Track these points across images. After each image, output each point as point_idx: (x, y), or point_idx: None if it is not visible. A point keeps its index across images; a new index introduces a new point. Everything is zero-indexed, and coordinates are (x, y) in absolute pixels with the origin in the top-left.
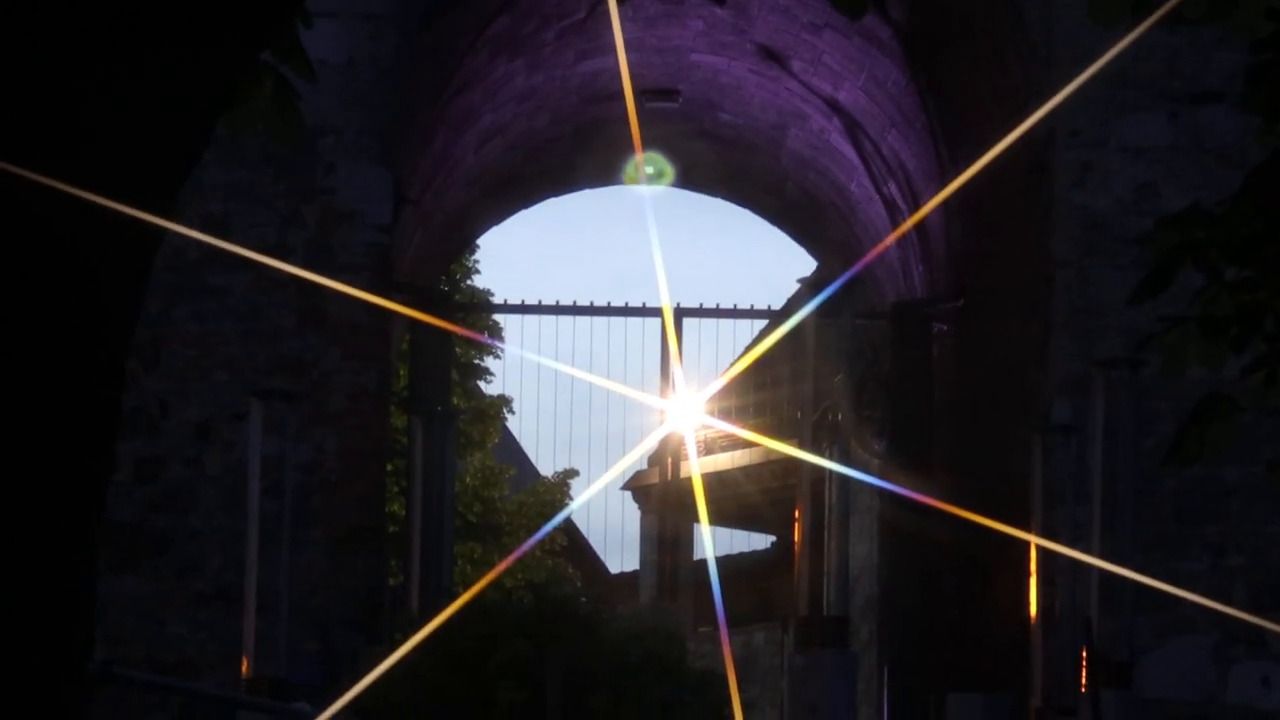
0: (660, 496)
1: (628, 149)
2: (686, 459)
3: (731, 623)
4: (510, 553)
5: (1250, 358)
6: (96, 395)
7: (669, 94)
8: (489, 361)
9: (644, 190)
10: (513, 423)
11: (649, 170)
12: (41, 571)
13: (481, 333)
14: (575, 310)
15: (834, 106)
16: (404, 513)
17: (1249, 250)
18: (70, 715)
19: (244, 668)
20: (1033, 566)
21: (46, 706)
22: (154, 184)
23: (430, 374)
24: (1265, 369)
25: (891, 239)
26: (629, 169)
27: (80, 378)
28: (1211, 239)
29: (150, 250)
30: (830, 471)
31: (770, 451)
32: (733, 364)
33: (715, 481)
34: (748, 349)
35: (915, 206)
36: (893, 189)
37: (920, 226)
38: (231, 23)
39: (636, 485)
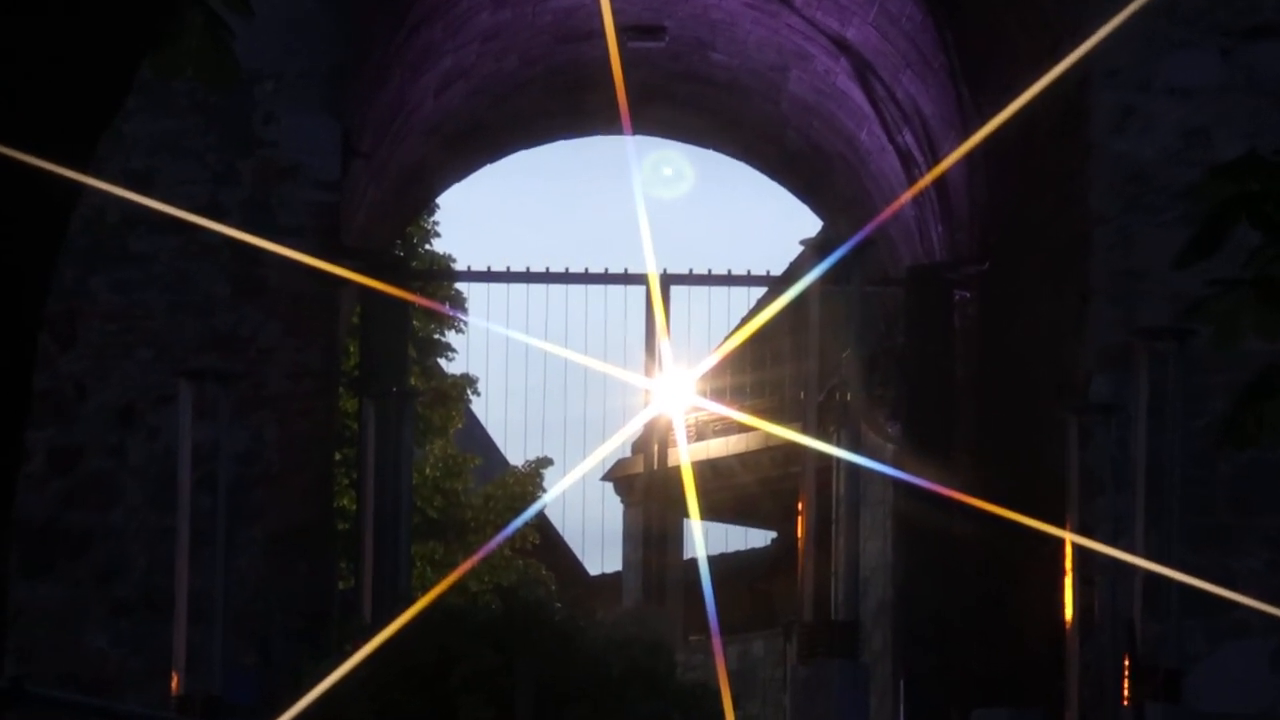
0: (645, 488)
1: (606, 95)
2: (675, 445)
3: (726, 630)
4: (475, 552)
5: None
6: (4, 375)
7: (653, 32)
8: (451, 336)
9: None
10: (478, 405)
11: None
12: None
13: (442, 303)
14: (548, 277)
15: (841, 45)
16: (355, 508)
17: None
18: None
19: (173, 684)
20: (1068, 564)
21: None
22: (69, 135)
23: (384, 351)
24: None
25: (907, 196)
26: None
27: None
28: (1269, 191)
29: (65, 210)
30: (838, 459)
31: (770, 437)
32: (727, 338)
33: (708, 471)
34: (744, 321)
35: (934, 158)
36: (908, 138)
37: (940, 181)
38: None
39: (618, 475)
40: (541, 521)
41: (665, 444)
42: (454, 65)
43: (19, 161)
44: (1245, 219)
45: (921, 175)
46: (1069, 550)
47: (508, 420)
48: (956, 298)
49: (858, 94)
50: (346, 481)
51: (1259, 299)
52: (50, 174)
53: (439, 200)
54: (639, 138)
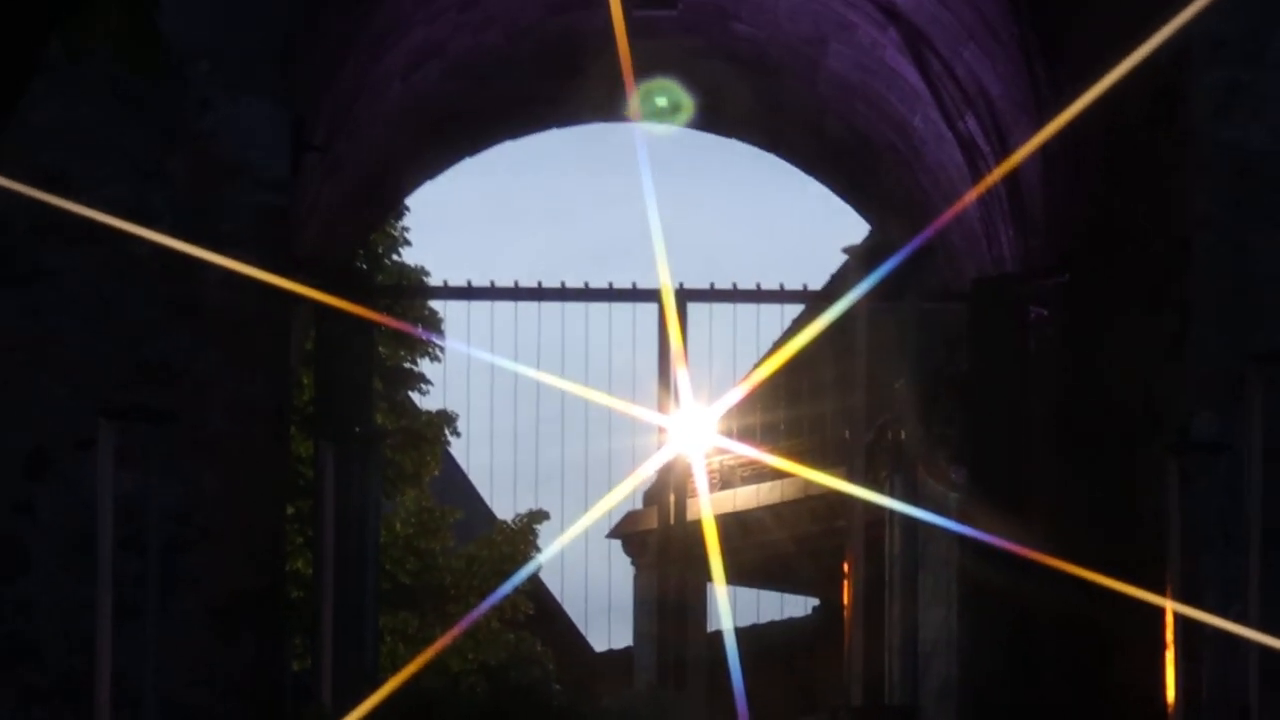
0: (660, 547)
1: (607, 74)
2: (695, 495)
3: (760, 718)
4: (457, 624)
5: None
6: None
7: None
8: (425, 365)
9: (640, 129)
10: (458, 448)
11: (660, 102)
12: None
13: (414, 325)
14: (541, 294)
15: (890, 13)
16: (310, 572)
17: None
18: None
19: None
20: (1169, 636)
21: None
22: None
23: (345, 383)
24: None
25: (972, 195)
26: (635, 99)
27: None
28: None
29: None
30: (891, 511)
31: (809, 485)
32: (757, 365)
33: (735, 525)
34: (777, 345)
35: (1002, 148)
36: (971, 124)
37: (1010, 176)
38: None
39: (628, 532)
40: (536, 587)
41: (683, 494)
42: (425, 40)
43: None
44: None
45: (988, 170)
46: (1170, 619)
47: (494, 466)
48: (1031, 316)
49: (910, 72)
50: (300, 540)
51: None
52: None
53: (409, 202)
54: (645, 106)
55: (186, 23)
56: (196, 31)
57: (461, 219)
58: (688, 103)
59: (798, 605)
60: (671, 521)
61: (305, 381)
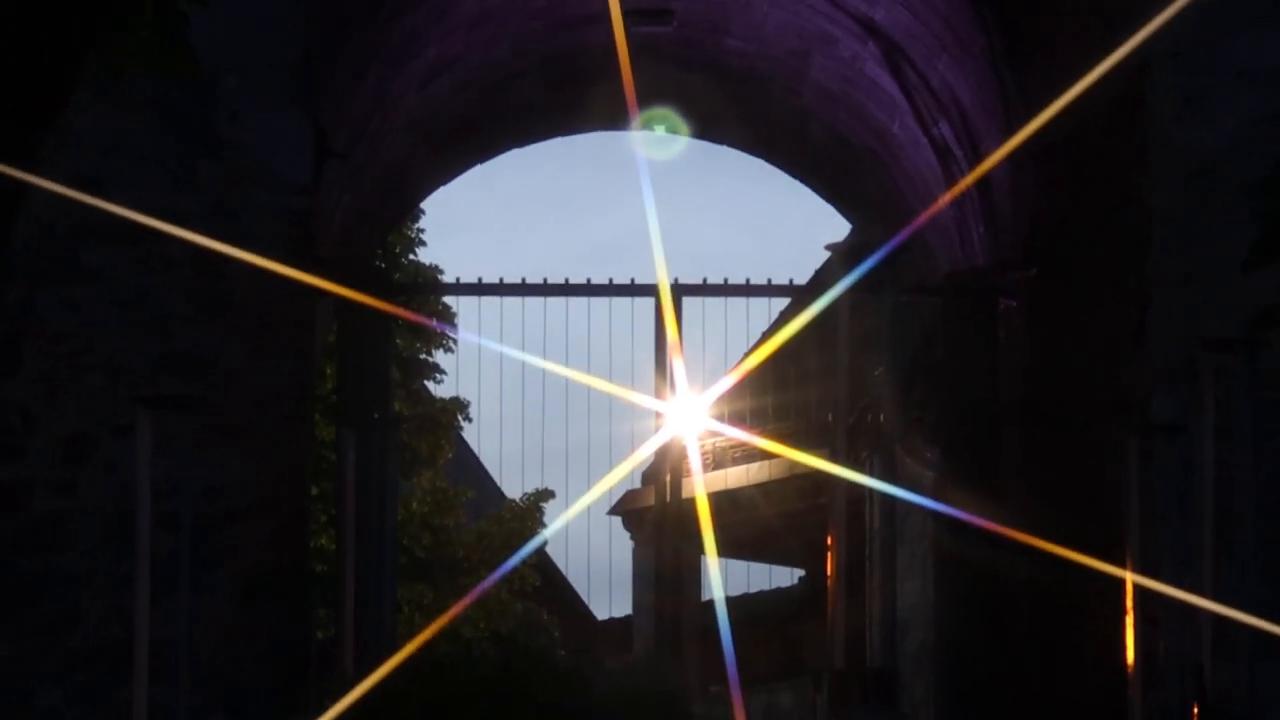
0: (657, 522)
1: (609, 86)
2: (690, 475)
3: (749, 680)
4: (469, 595)
5: None
6: None
7: (660, 15)
8: (439, 356)
9: (638, 138)
10: (470, 433)
11: (658, 129)
12: None
13: (429, 319)
14: (547, 289)
15: (869, 28)
16: (333, 548)
17: None
18: None
19: None
20: (1129, 604)
21: None
22: (8, 131)
23: (364, 373)
24: None
25: (947, 197)
26: (641, 122)
27: None
28: None
29: (5, 216)
30: (871, 489)
31: (795, 465)
32: (747, 354)
33: (726, 502)
34: (765, 335)
35: (974, 152)
36: (945, 130)
37: (981, 178)
38: None
39: (627, 509)
40: (542, 560)
41: (679, 473)
42: (439, 55)
43: None
44: None
45: (961, 172)
46: (1129, 588)
47: (503, 449)
48: (1001, 307)
49: (888, 82)
50: (324, 519)
51: None
52: None
53: (424, 205)
54: (645, 133)
55: (216, 40)
56: (225, 48)
57: (473, 220)
58: (684, 128)
59: (784, 576)
60: (668, 499)
61: (328, 371)
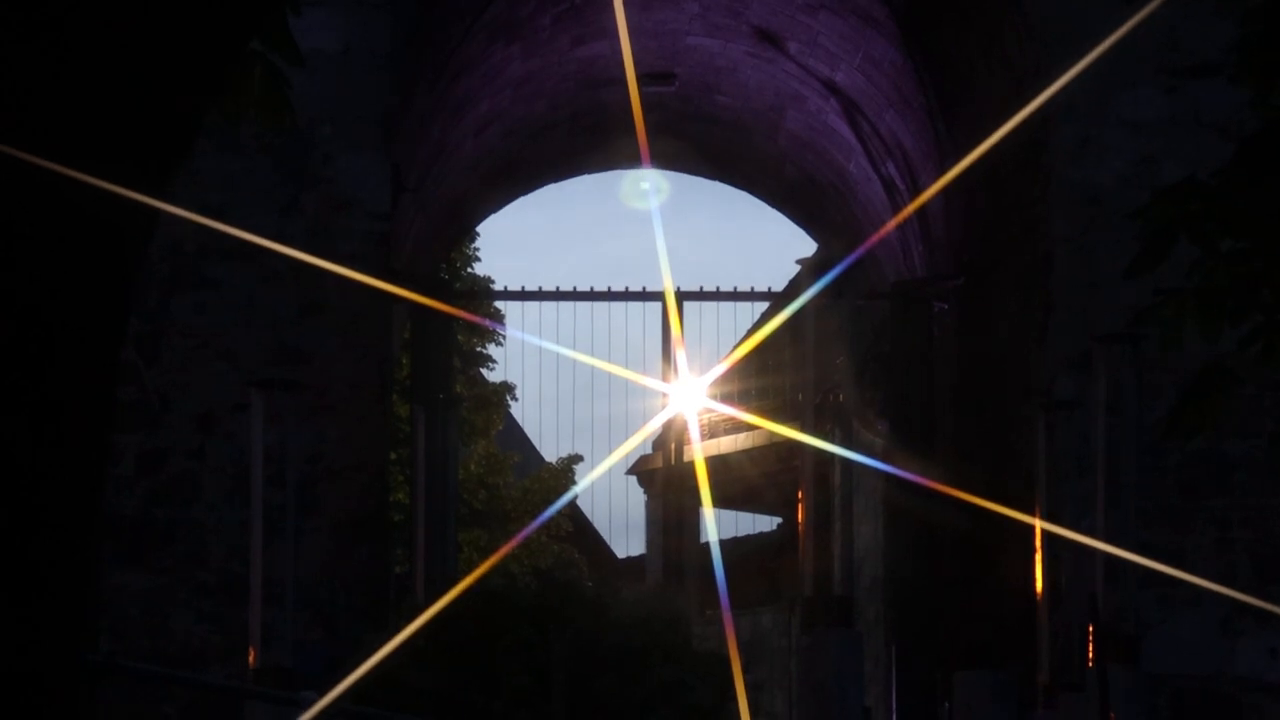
0: (664, 480)
1: (626, 134)
2: (690, 443)
3: (738, 605)
4: (514, 539)
5: (1248, 329)
6: (91, 385)
7: (665, 78)
8: (491, 349)
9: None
10: (516, 409)
11: (644, 187)
12: (39, 563)
13: (483, 319)
14: (576, 296)
15: (831, 87)
16: (408, 501)
17: (1244, 222)
18: (70, 706)
19: (250, 658)
20: (1038, 544)
21: (47, 698)
22: (145, 169)
23: (432, 362)
24: (1262, 340)
25: (893, 222)
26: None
27: (75, 367)
28: (1206, 211)
29: (142, 237)
30: (833, 454)
31: (773, 434)
32: (735, 347)
33: (719, 465)
34: (750, 332)
35: (914, 186)
36: (891, 169)
37: (920, 208)
38: (219, 12)
39: (641, 470)
40: (573, 511)
41: (681, 441)
42: (490, 109)
43: (101, 192)
44: (1186, 236)
45: (904, 202)
46: (1038, 532)
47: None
48: (936, 309)
49: (846, 131)
50: (400, 478)
51: (1199, 306)
52: (127, 203)
53: (478, 228)
54: (656, 171)
55: (316, 96)
56: (323, 103)
57: (518, 241)
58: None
59: (766, 523)
60: (673, 462)
61: (404, 361)
